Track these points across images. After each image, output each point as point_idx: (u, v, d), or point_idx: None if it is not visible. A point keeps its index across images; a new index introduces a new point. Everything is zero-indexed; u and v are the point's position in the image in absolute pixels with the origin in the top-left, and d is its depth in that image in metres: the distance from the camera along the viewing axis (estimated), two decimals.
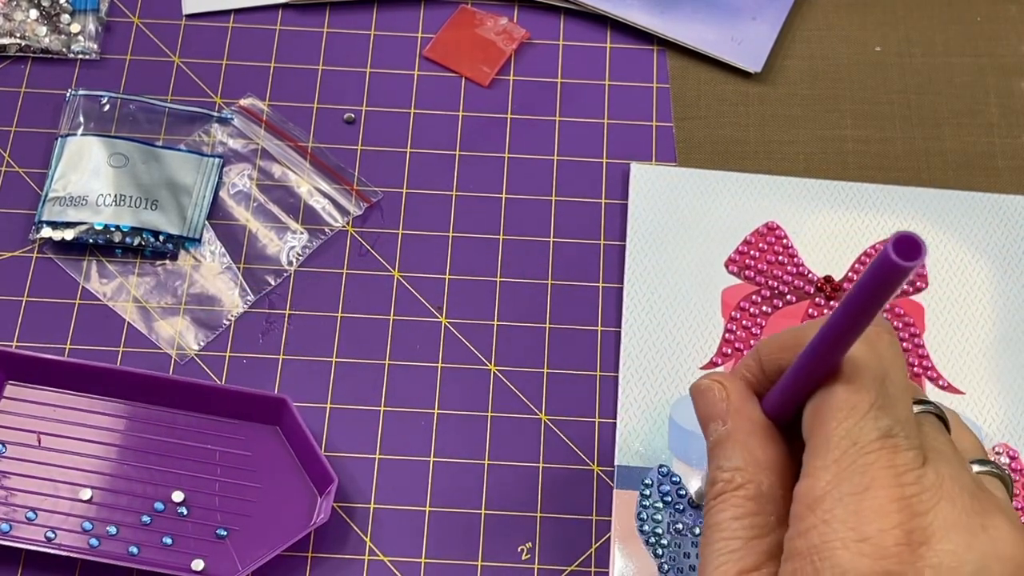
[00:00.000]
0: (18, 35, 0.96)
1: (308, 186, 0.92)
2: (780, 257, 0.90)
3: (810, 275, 0.89)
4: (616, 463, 0.83)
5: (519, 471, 0.84)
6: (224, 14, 0.99)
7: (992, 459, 0.55)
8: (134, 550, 0.79)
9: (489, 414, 0.86)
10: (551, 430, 0.85)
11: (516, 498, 0.83)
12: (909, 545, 0.46)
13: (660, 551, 0.81)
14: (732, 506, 0.52)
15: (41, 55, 0.96)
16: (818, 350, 0.48)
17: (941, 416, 0.54)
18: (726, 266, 0.89)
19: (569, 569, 0.81)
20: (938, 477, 0.48)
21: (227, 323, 0.88)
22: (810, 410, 0.50)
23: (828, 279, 0.89)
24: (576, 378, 0.87)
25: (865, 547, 0.46)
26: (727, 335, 0.87)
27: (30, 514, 0.79)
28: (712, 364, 0.86)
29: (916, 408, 0.52)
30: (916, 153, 0.96)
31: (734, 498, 0.52)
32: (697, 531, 0.81)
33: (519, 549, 0.82)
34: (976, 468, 0.54)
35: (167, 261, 0.90)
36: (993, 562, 0.47)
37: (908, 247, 0.41)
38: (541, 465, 0.84)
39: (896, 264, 0.41)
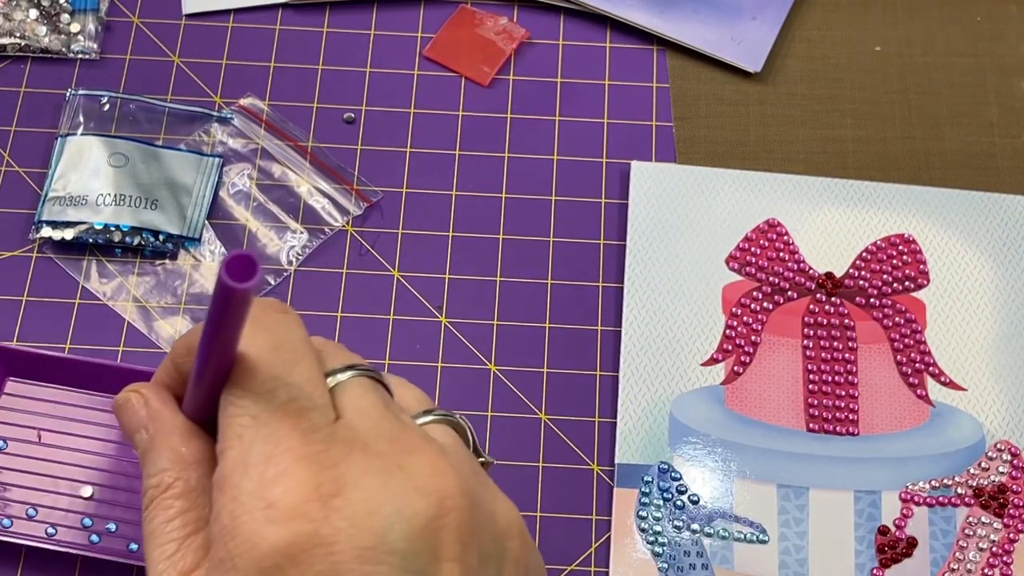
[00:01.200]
0: (18, 35, 0.96)
1: (308, 186, 0.92)
2: (781, 254, 0.90)
3: (811, 271, 0.89)
4: (616, 461, 0.83)
5: (519, 470, 0.84)
6: (224, 14, 0.99)
7: (443, 410, 0.53)
8: (134, 547, 0.79)
9: (489, 414, 0.86)
10: (551, 430, 0.85)
11: (516, 497, 0.82)
12: (319, 500, 0.45)
13: (659, 549, 0.81)
14: (163, 509, 0.50)
15: (41, 55, 0.96)
16: (202, 359, 0.48)
17: (375, 377, 0.52)
18: (727, 263, 0.89)
19: (569, 568, 0.81)
20: (351, 431, 0.48)
21: None
22: (219, 408, 0.49)
23: (829, 275, 0.89)
24: (576, 378, 0.87)
25: (273, 512, 0.45)
26: (728, 331, 0.87)
27: (31, 510, 0.79)
28: (713, 360, 0.86)
29: (345, 374, 0.50)
30: (916, 153, 0.96)
31: (164, 501, 0.50)
32: (696, 527, 0.81)
33: None
34: (421, 420, 0.52)
35: (167, 261, 0.90)
36: (413, 499, 0.46)
37: (243, 267, 0.41)
38: (541, 464, 0.84)
39: (231, 287, 0.41)
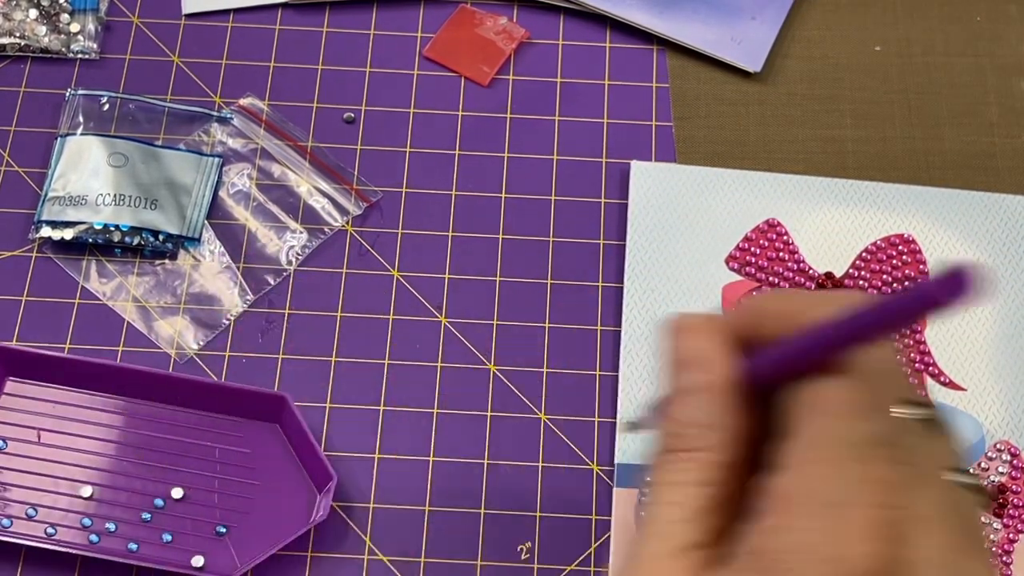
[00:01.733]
0: (18, 35, 0.96)
1: (308, 186, 0.92)
2: (781, 254, 0.90)
3: (811, 271, 0.89)
4: (616, 461, 0.83)
5: (518, 470, 0.84)
6: (223, 13, 0.99)
7: (972, 470, 0.47)
8: (134, 546, 0.79)
9: (489, 413, 0.85)
10: (551, 430, 0.85)
11: (516, 497, 0.83)
12: None
13: None
14: (699, 468, 0.44)
15: (41, 55, 0.96)
16: (828, 343, 0.43)
17: (934, 419, 0.45)
18: (727, 262, 0.89)
19: (568, 568, 0.81)
20: (928, 503, 0.42)
21: (227, 322, 0.88)
22: (798, 396, 0.43)
23: (829, 275, 0.89)
24: (576, 378, 0.87)
25: (829, 569, 0.40)
26: None
27: (30, 510, 0.79)
28: None
29: (909, 410, 0.44)
30: (916, 153, 0.96)
31: (704, 459, 0.44)
32: None
33: (519, 548, 0.82)
34: (951, 477, 0.45)
35: (166, 261, 0.90)
36: None
37: (958, 284, 0.38)
38: (541, 464, 0.84)
39: (940, 299, 0.38)
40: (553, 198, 0.93)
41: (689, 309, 0.88)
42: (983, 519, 0.82)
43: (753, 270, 0.89)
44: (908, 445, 0.43)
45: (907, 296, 0.40)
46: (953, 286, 0.38)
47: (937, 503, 0.42)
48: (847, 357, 0.44)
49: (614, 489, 0.83)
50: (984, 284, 0.38)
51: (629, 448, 0.84)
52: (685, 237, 0.90)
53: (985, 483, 0.47)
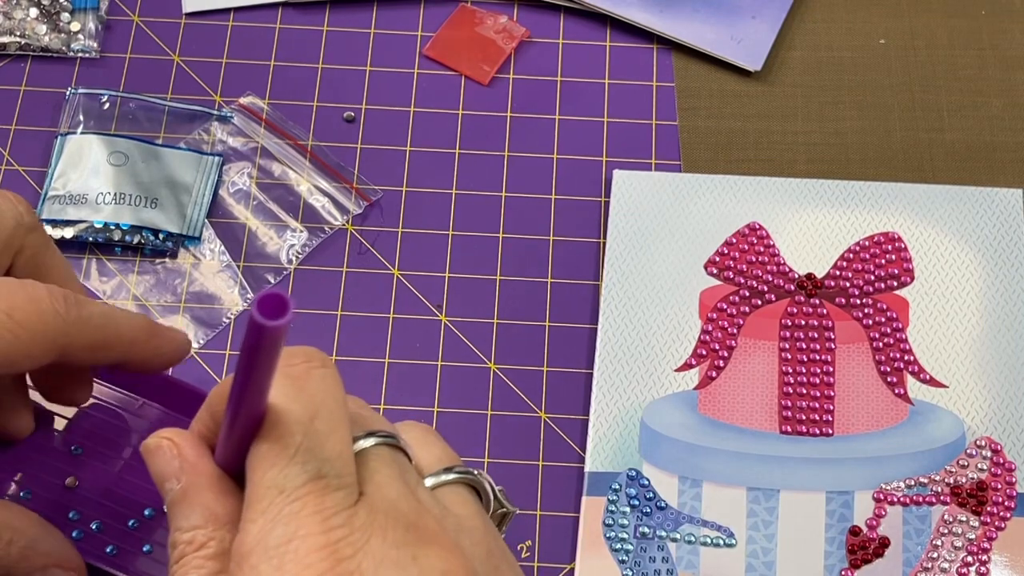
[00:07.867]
0: (18, 33, 0.96)
1: (308, 184, 0.92)
2: (761, 257, 0.89)
3: (791, 273, 0.89)
4: (586, 470, 0.83)
5: (519, 469, 0.84)
6: (224, 12, 0.99)
7: (463, 468, 0.52)
8: (111, 549, 0.78)
9: (489, 412, 0.86)
10: (551, 428, 0.85)
11: (516, 497, 0.83)
12: None
13: (624, 557, 0.80)
14: (195, 568, 0.48)
15: (41, 53, 0.97)
16: (233, 405, 0.46)
17: (395, 445, 0.50)
18: (705, 268, 0.89)
19: (569, 567, 0.81)
20: (371, 513, 0.46)
21: (227, 321, 0.88)
22: (247, 462, 0.47)
23: (810, 276, 0.89)
24: (576, 376, 0.87)
25: None
26: (703, 336, 0.87)
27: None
28: (687, 365, 0.86)
29: (367, 442, 0.49)
30: (919, 146, 0.96)
31: (196, 559, 0.48)
32: (663, 534, 0.81)
33: (519, 547, 0.82)
34: (441, 479, 0.51)
35: (167, 259, 0.90)
36: None
37: (275, 305, 0.41)
38: (541, 463, 0.84)
39: (263, 325, 0.41)
40: (553, 197, 0.93)
41: (666, 315, 0.88)
42: (960, 517, 0.82)
43: (732, 274, 0.89)
44: (349, 470, 0.47)
45: (245, 335, 0.42)
46: (266, 307, 0.40)
47: (384, 510, 0.46)
48: (266, 403, 0.46)
49: (583, 498, 0.82)
50: (292, 305, 0.40)
51: (599, 456, 0.83)
52: (666, 244, 0.90)
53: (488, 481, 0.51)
